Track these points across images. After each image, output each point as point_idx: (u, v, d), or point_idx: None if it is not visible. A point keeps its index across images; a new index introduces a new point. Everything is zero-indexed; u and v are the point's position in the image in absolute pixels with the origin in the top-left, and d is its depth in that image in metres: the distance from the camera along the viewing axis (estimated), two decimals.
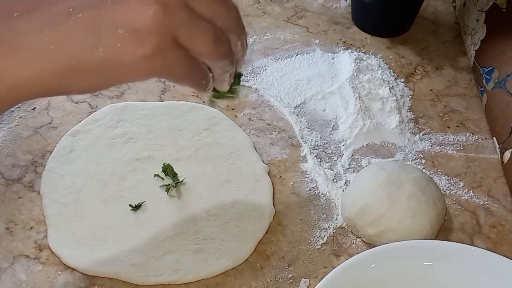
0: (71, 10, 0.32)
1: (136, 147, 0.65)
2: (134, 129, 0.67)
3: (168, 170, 0.62)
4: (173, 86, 0.74)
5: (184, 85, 0.41)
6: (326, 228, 0.59)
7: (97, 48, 0.33)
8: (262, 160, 0.65)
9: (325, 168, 0.65)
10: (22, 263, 0.55)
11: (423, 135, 0.69)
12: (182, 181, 0.61)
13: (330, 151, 0.67)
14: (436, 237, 0.57)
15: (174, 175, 0.61)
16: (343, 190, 0.62)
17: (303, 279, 0.55)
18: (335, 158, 0.66)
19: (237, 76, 0.47)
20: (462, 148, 0.68)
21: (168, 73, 0.37)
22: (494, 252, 0.47)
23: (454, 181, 0.64)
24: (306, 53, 0.80)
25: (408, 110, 0.72)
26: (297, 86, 0.74)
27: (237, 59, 0.42)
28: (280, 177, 0.63)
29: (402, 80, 0.76)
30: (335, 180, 0.64)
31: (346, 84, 0.72)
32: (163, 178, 0.62)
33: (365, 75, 0.74)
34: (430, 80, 0.77)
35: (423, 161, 0.66)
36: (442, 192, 0.59)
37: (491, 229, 0.60)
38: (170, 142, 0.66)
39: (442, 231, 0.58)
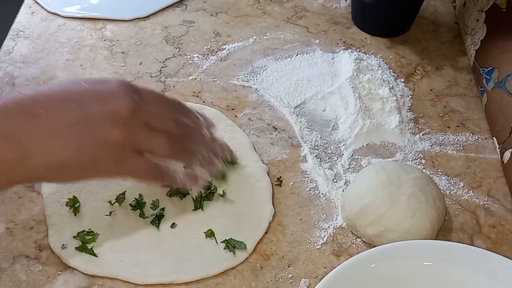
0: (66, 125, 0.45)
1: None
2: None
3: None
4: (173, 86, 0.74)
5: (149, 183, 0.58)
6: (326, 228, 0.59)
7: (80, 156, 0.45)
8: (262, 160, 0.65)
9: (325, 168, 0.65)
10: (22, 263, 0.55)
11: (423, 135, 0.69)
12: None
13: (330, 151, 0.67)
14: (436, 237, 0.57)
15: None
16: (343, 190, 0.62)
17: (303, 279, 0.55)
18: (335, 158, 0.66)
19: (230, 162, 0.61)
20: (462, 148, 0.68)
21: (131, 176, 0.50)
22: (494, 252, 0.47)
23: (454, 181, 0.64)
24: (306, 53, 0.80)
25: (408, 110, 0.72)
26: (297, 86, 0.74)
27: (214, 152, 0.56)
28: (280, 177, 0.63)
29: (402, 80, 0.76)
30: (335, 180, 0.64)
31: (346, 84, 0.72)
32: None
33: (365, 75, 0.74)
34: (430, 80, 0.77)
35: (423, 161, 0.66)
36: (442, 192, 0.59)
37: (491, 229, 0.60)
38: None
39: (442, 231, 0.58)
